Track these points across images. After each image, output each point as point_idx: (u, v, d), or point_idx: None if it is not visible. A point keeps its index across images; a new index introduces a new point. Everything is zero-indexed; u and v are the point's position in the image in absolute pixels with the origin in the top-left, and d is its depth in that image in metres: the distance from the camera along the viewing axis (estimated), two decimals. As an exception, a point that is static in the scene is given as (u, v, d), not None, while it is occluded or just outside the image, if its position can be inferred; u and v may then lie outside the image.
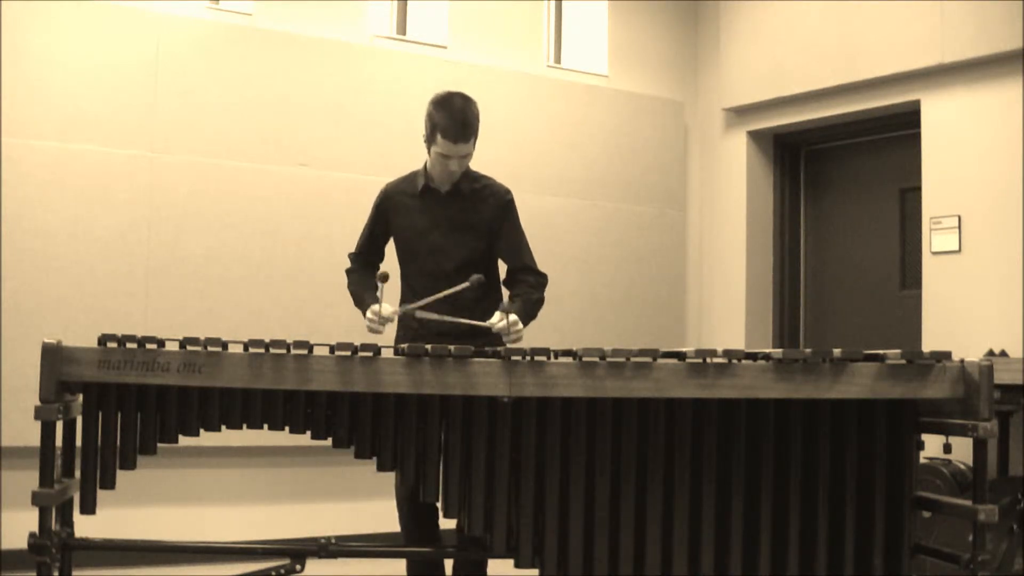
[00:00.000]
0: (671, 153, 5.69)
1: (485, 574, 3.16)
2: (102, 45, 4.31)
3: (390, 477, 2.55)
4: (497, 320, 3.04)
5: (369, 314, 3.12)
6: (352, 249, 3.38)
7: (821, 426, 2.58)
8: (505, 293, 3.33)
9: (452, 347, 2.51)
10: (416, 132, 5.03)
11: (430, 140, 3.12)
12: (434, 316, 3.01)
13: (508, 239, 3.28)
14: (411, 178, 3.28)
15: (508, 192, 3.29)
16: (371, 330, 3.12)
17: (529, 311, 3.20)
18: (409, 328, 3.20)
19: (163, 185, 4.40)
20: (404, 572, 3.28)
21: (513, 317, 3.05)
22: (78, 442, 2.55)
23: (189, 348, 2.45)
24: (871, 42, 4.85)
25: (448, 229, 3.20)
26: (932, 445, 2.75)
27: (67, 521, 2.60)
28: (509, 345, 3.00)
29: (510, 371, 2.47)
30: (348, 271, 3.36)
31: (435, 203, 3.22)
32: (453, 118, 3.05)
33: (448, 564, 3.24)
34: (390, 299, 3.15)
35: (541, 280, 3.30)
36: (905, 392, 2.54)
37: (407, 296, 3.23)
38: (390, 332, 3.20)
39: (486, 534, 2.53)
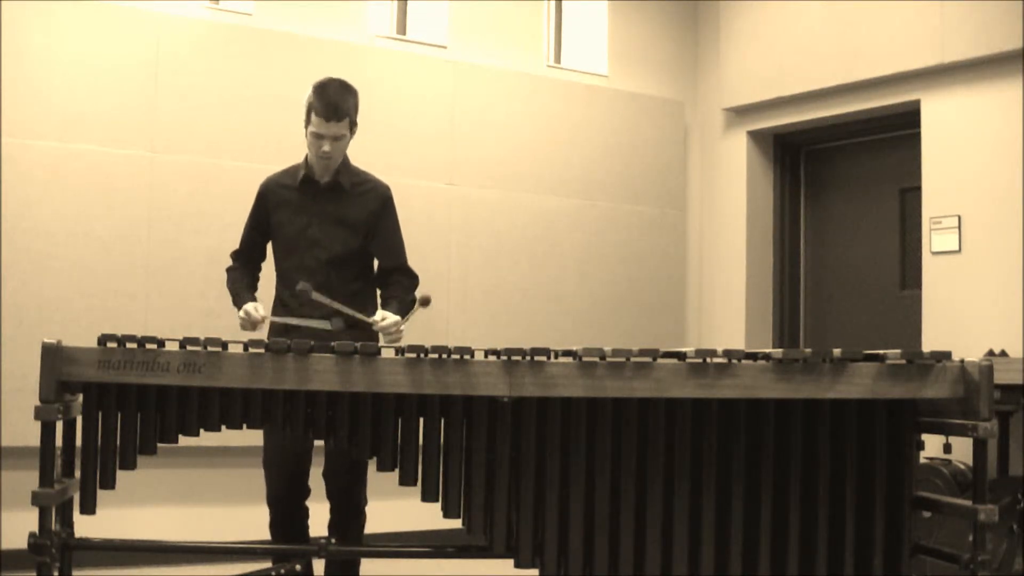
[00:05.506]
0: (671, 153, 5.69)
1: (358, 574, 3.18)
2: (102, 45, 4.31)
3: (389, 478, 2.54)
4: (380, 318, 3.08)
5: (241, 313, 3.13)
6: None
7: (821, 426, 2.57)
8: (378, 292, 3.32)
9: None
10: (417, 132, 5.05)
11: (307, 122, 3.14)
12: (325, 300, 3.02)
13: (386, 237, 3.27)
14: (292, 171, 3.27)
15: (388, 189, 3.29)
16: (243, 328, 3.14)
17: (405, 313, 3.19)
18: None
19: (163, 185, 4.40)
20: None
21: (396, 318, 3.09)
22: (78, 442, 2.55)
23: (189, 348, 2.45)
24: (871, 42, 4.85)
25: (325, 222, 3.19)
26: (932, 445, 2.75)
27: (67, 521, 2.60)
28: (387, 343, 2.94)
29: (510, 371, 2.47)
30: (228, 269, 3.35)
31: (314, 195, 3.22)
32: (327, 98, 3.07)
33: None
34: (266, 295, 3.23)
35: (414, 282, 3.31)
36: (905, 392, 2.54)
37: (281, 292, 3.23)
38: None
39: (485, 534, 2.53)
